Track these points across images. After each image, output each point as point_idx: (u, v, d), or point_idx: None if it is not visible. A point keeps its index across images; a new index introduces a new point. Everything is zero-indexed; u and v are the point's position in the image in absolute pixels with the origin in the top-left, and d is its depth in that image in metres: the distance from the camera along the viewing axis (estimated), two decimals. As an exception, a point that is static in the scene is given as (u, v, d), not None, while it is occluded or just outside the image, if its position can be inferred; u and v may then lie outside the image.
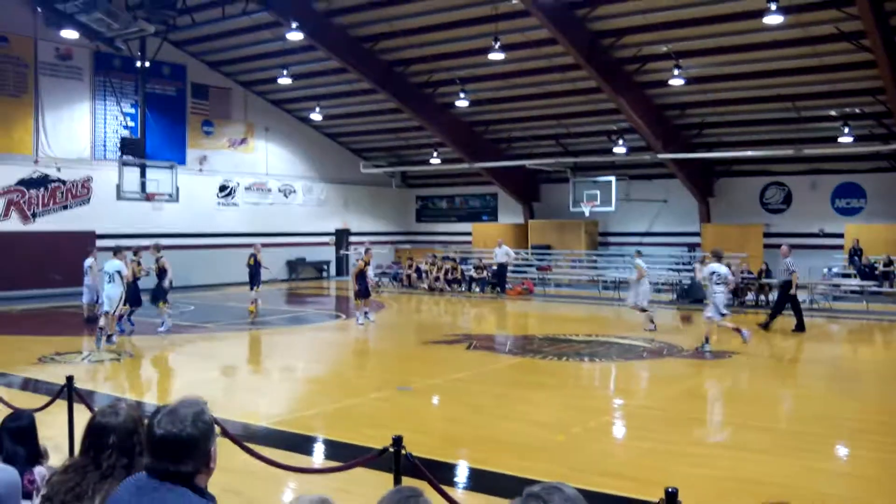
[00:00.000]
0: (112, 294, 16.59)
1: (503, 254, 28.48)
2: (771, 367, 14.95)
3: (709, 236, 30.55)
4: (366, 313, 20.02)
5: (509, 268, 29.64)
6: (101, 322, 16.47)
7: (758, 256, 27.50)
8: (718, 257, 16.50)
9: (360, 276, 20.20)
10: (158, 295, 18.55)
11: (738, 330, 15.88)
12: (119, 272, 16.73)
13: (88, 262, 20.35)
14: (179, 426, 2.66)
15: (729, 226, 30.35)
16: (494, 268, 29.26)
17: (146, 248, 19.61)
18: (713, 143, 29.53)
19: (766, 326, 18.63)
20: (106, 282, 16.82)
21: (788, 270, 18.59)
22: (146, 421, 2.74)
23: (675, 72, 23.43)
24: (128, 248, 18.45)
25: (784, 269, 18.88)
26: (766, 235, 29.43)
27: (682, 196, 31.42)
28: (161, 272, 18.51)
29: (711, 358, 15.05)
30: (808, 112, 25.75)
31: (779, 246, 28.11)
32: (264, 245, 24.21)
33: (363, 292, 20.08)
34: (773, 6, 18.94)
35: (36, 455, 4.80)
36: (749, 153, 28.43)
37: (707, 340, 15.70)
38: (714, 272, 15.92)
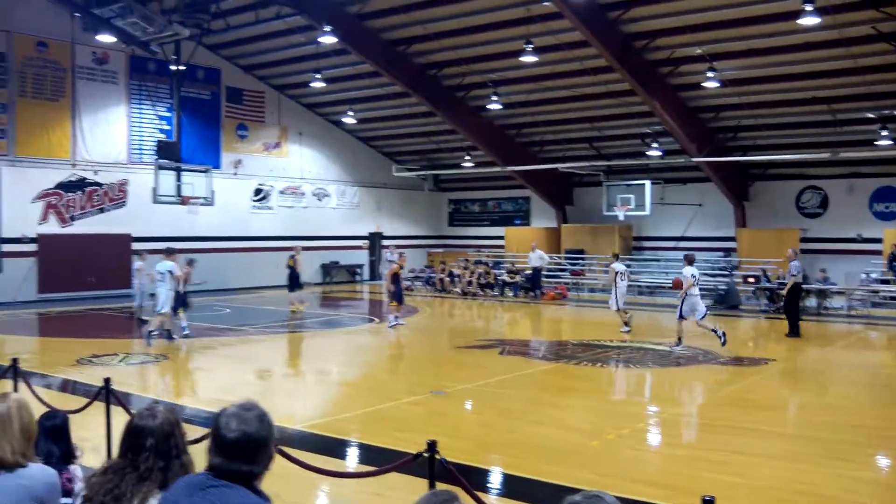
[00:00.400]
0: (162, 292, 17.37)
1: (537, 258, 28.41)
2: (807, 375, 14.77)
3: (744, 241, 30.25)
4: (396, 317, 20.11)
5: (543, 272, 29.57)
6: (152, 321, 17.45)
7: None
8: (690, 262, 17.40)
9: (395, 279, 20.32)
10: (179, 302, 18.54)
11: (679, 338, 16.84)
12: (170, 271, 17.47)
13: (137, 265, 20.69)
14: (253, 427, 2.74)
15: (765, 230, 30.02)
16: (528, 272, 29.19)
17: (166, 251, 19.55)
18: (748, 146, 29.23)
19: (795, 334, 18.50)
20: (158, 280, 17.52)
21: (790, 274, 18.95)
22: (213, 423, 2.78)
23: (710, 74, 23.24)
24: (182, 252, 18.87)
25: (787, 273, 19.30)
26: (803, 240, 29.03)
27: (717, 200, 31.12)
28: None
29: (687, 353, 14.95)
30: (845, 115, 25.40)
31: (816, 251, 28.08)
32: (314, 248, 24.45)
33: (397, 295, 20.22)
34: (809, 7, 18.71)
35: (70, 454, 4.86)
36: (785, 157, 28.11)
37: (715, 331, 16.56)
38: (692, 275, 16.93)
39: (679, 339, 16.72)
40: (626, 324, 19.40)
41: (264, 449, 2.77)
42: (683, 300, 16.72)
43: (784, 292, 19.08)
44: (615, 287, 19.65)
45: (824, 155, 26.31)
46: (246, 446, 2.72)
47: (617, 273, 19.56)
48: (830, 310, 23.75)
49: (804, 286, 23.88)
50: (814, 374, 14.85)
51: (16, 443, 3.36)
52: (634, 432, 9.98)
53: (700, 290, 24.42)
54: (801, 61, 23.12)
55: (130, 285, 22.15)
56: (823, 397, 12.79)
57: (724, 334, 16.17)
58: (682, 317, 16.74)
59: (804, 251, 28.46)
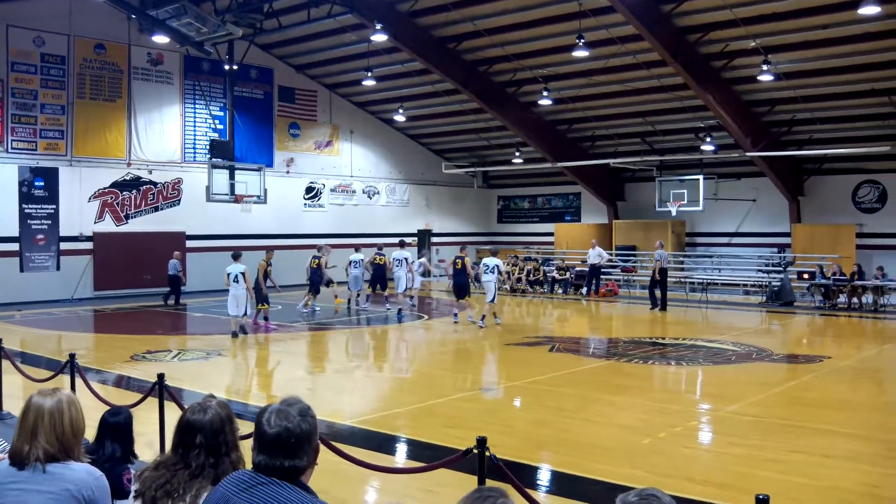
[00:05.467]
0: (401, 276, 22.46)
1: (596, 255, 28.12)
2: (864, 373, 14.42)
3: (799, 237, 29.74)
4: (455, 314, 20.89)
5: (576, 269, 29.43)
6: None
7: (850, 257, 26.60)
8: (494, 253, 21.85)
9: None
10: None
11: (494, 315, 20.12)
12: (406, 258, 22.66)
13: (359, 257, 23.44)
14: (293, 422, 2.75)
15: (820, 226, 29.47)
16: (582, 269, 29.01)
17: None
18: (804, 140, 28.69)
19: (660, 308, 23.16)
20: (395, 267, 22.61)
21: (655, 260, 23.57)
22: (256, 421, 2.80)
23: (764, 67, 22.85)
24: (274, 248, 21.85)
25: (655, 260, 23.76)
26: (860, 236, 28.47)
27: (771, 195, 30.63)
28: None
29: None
30: (906, 106, 24.83)
31: (873, 247, 27.56)
32: (351, 246, 25.08)
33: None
34: (870, -4, 18.28)
35: (131, 453, 4.90)
36: (842, 150, 27.52)
37: (495, 315, 20.12)
38: (485, 265, 20.39)
39: (494, 318, 20.08)
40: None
41: (307, 444, 2.77)
42: (487, 286, 20.02)
43: (657, 277, 23.33)
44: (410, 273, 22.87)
45: (883, 148, 25.67)
46: (286, 442, 2.73)
47: (395, 260, 22.95)
48: (888, 307, 23.22)
49: (861, 283, 23.50)
50: (871, 373, 14.53)
51: (64, 439, 3.36)
52: (687, 430, 9.86)
53: (761, 286, 24.77)
54: (859, 52, 22.62)
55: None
56: (881, 396, 12.52)
57: (495, 317, 20.03)
58: (491, 301, 20.03)
59: (860, 247, 27.94)
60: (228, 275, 17.92)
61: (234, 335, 17.62)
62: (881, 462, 8.41)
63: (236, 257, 18.31)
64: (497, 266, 20.45)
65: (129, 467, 4.71)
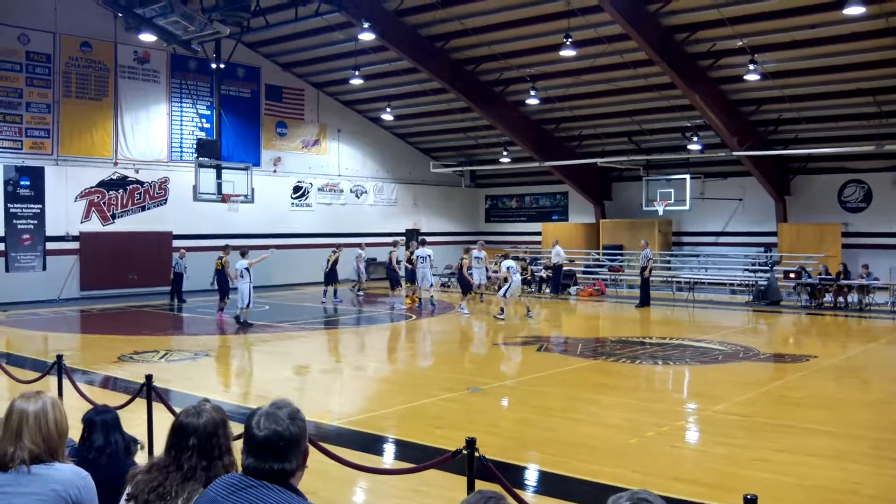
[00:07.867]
0: (426, 273, 23.65)
1: (555, 254, 28.23)
2: (850, 372, 14.51)
3: (785, 236, 29.86)
4: (461, 306, 22.70)
5: (564, 268, 29.37)
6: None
7: (836, 257, 26.74)
8: (506, 256, 23.57)
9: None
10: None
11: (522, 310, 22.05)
12: (429, 256, 23.78)
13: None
14: (282, 425, 2.76)
15: (806, 225, 29.61)
16: (572, 268, 29.02)
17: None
18: (790, 139, 28.81)
19: (646, 305, 24.06)
20: (420, 265, 23.63)
21: (645, 259, 24.25)
22: (245, 424, 2.79)
23: (751, 67, 22.93)
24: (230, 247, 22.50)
25: (641, 258, 24.66)
26: (845, 235, 28.60)
27: (758, 195, 30.74)
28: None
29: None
30: (891, 106, 24.94)
31: (858, 246, 27.68)
32: (340, 245, 25.50)
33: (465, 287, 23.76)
34: (855, -4, 18.37)
35: (130, 447, 4.91)
36: (827, 150, 27.63)
37: (502, 311, 21.61)
38: (509, 266, 21.92)
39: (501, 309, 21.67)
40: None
41: (296, 447, 2.77)
42: (513, 284, 21.62)
43: (646, 275, 24.19)
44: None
45: (868, 148, 25.81)
46: (276, 445, 2.73)
47: (418, 257, 23.97)
48: (873, 306, 23.36)
49: (847, 283, 23.62)
50: (857, 371, 14.62)
51: (50, 440, 3.36)
52: (674, 430, 9.90)
53: (747, 285, 24.89)
54: (845, 52, 22.72)
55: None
56: (867, 394, 12.59)
57: (503, 313, 21.40)
58: (504, 296, 21.77)
59: (846, 246, 28.08)
60: (235, 270, 20.26)
61: (246, 326, 19.35)
62: (866, 460, 8.47)
63: (243, 254, 20.56)
64: (510, 267, 22.16)
65: (135, 461, 4.72)
